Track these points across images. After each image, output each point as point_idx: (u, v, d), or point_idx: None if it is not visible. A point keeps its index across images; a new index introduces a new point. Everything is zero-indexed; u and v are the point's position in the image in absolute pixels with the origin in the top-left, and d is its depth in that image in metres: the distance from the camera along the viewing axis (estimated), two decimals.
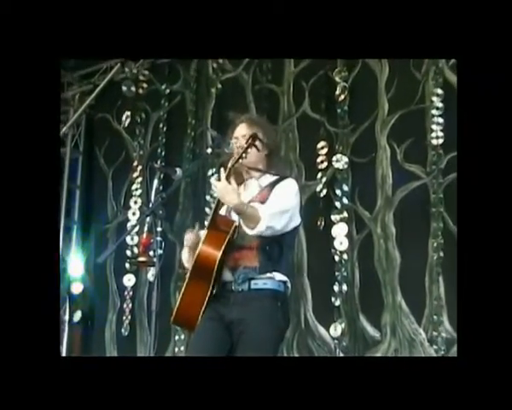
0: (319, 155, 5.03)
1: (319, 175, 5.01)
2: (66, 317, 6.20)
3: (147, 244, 2.76)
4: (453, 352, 4.28)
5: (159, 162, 5.81)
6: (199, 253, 2.59)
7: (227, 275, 2.63)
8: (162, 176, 4.78)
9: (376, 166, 4.87)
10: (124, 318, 5.82)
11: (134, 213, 5.92)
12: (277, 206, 2.58)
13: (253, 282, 2.57)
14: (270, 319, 2.56)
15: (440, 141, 4.57)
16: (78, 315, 6.09)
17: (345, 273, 4.79)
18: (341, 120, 5.02)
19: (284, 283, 2.64)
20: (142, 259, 2.81)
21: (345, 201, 4.88)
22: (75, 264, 6.21)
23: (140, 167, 6.04)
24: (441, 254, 4.46)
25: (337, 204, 4.88)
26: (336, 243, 4.81)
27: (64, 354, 6.06)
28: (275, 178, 2.72)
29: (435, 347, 4.36)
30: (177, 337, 5.36)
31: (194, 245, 2.69)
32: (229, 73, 5.77)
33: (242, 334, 2.53)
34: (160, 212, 2.70)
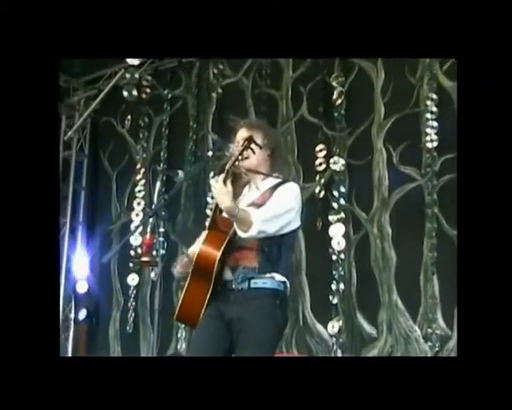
0: (317, 157, 5.08)
1: (317, 177, 5.07)
2: (72, 315, 6.30)
3: (150, 245, 2.74)
4: (447, 348, 4.36)
5: (161, 165, 5.89)
6: (199, 253, 2.59)
7: (227, 274, 2.63)
8: (165, 178, 4.91)
9: (373, 169, 4.92)
10: (128, 315, 5.88)
11: (137, 215, 5.98)
12: (272, 210, 2.56)
13: (252, 281, 2.58)
14: (270, 318, 2.56)
15: (435, 144, 4.62)
16: (83, 313, 6.16)
17: (342, 272, 4.85)
18: (338, 124, 5.08)
19: (283, 283, 2.63)
20: (145, 259, 2.77)
21: (342, 202, 4.94)
22: (80, 263, 6.27)
23: (143, 170, 6.12)
24: (436, 253, 4.51)
25: (334, 205, 4.94)
26: (334, 243, 4.88)
27: (70, 350, 6.17)
28: (277, 181, 2.70)
29: (430, 343, 4.42)
30: (179, 335, 5.44)
31: (185, 265, 2.71)
32: (230, 78, 5.82)
33: (242, 331, 2.54)
34: (163, 213, 2.71)
